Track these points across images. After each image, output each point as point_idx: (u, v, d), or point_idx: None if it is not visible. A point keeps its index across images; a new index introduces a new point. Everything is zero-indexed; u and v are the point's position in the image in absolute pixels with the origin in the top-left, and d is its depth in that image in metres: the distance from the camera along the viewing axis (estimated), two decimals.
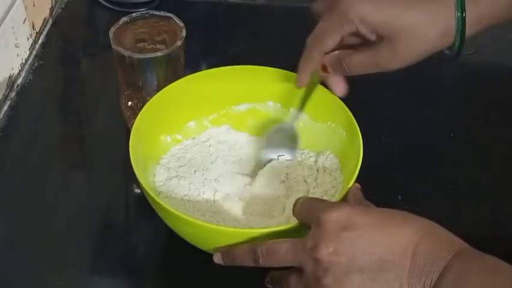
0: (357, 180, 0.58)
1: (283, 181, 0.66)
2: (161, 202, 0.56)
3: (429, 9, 0.56)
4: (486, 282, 0.45)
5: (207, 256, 0.56)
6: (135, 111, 0.69)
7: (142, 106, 0.65)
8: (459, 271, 0.45)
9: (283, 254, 0.50)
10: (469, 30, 0.58)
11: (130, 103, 0.72)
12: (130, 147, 0.60)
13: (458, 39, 0.58)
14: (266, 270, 0.53)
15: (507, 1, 0.58)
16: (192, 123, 0.71)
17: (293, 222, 0.54)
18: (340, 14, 0.58)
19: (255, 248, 0.51)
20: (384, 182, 0.69)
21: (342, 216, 0.48)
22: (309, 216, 0.51)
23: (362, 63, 0.59)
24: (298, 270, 0.50)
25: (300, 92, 0.66)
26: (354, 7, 0.57)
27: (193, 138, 0.70)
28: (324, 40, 0.59)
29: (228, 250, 0.54)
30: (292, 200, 0.64)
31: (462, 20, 0.57)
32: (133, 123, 0.63)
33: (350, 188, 0.56)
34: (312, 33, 0.61)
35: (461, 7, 0.56)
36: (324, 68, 0.62)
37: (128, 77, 0.70)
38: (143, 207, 0.60)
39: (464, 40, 0.58)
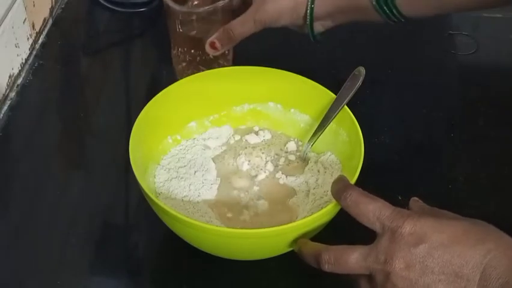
0: (357, 181, 0.58)
1: (284, 181, 0.66)
2: (160, 203, 0.56)
3: None
4: None
5: (206, 256, 0.56)
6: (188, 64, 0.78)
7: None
8: None
9: (353, 263, 0.50)
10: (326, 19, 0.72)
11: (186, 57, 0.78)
12: (129, 148, 0.60)
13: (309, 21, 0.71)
14: (266, 271, 0.53)
15: None
16: (192, 124, 0.71)
17: (295, 221, 0.54)
18: None
19: (320, 253, 0.51)
20: (384, 182, 0.69)
21: (416, 230, 0.48)
22: (369, 219, 0.50)
23: (241, 22, 0.71)
24: (368, 276, 0.50)
25: (302, 96, 0.66)
26: None
27: (194, 138, 0.70)
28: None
29: (300, 245, 0.54)
30: (295, 200, 0.64)
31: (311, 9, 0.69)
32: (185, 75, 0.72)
33: (411, 198, 0.56)
34: None
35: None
36: (212, 45, 0.72)
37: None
38: (143, 207, 0.60)
39: (312, 26, 0.71)
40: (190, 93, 0.69)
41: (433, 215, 0.50)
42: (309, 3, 0.69)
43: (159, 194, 0.64)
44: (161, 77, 0.85)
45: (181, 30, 0.75)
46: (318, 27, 0.72)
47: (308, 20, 0.70)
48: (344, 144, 0.65)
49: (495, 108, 0.81)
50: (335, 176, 0.64)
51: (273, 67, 0.69)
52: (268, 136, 0.71)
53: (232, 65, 0.79)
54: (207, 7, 0.74)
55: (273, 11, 0.70)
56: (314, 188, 0.65)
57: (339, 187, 0.53)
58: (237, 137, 0.71)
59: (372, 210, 0.50)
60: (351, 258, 0.49)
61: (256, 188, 0.66)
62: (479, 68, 0.87)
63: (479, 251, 0.46)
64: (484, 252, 0.46)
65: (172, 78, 0.80)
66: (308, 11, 0.70)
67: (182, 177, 0.66)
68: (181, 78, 0.77)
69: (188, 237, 0.58)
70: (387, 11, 0.68)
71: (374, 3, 0.68)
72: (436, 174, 0.73)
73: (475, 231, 0.48)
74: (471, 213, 0.68)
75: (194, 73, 0.75)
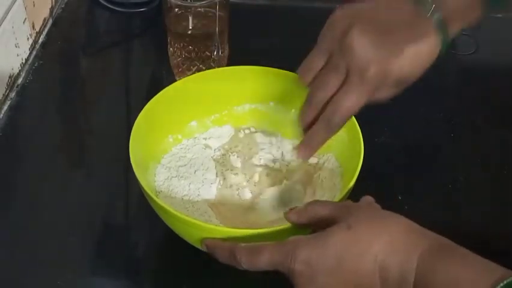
0: (357, 181, 0.58)
1: (284, 182, 0.66)
2: (159, 202, 0.56)
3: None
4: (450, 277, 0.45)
5: (206, 256, 0.56)
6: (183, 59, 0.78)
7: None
8: (424, 276, 0.45)
9: (265, 264, 0.50)
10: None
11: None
12: (130, 146, 0.60)
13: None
14: (268, 272, 0.53)
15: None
16: (193, 123, 0.71)
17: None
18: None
19: (233, 253, 0.51)
20: (384, 182, 0.69)
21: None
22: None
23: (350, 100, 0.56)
24: None
25: (303, 96, 0.66)
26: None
27: (195, 138, 0.70)
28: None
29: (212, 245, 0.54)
30: (295, 202, 0.64)
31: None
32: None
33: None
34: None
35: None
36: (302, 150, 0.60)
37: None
38: (143, 207, 0.60)
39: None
40: (191, 92, 0.69)
41: (316, 238, 0.49)
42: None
43: (159, 192, 0.64)
44: (161, 77, 0.85)
45: (177, 25, 0.76)
46: None
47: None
48: (344, 144, 0.64)
49: (495, 108, 0.81)
50: (334, 176, 0.64)
51: (274, 67, 0.69)
52: (268, 136, 0.71)
53: (229, 63, 0.79)
54: (204, 1, 0.74)
55: (396, 66, 0.55)
56: (314, 189, 0.65)
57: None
58: (237, 137, 0.71)
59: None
60: (263, 258, 0.50)
61: (256, 188, 0.66)
62: (479, 68, 0.87)
63: (368, 259, 0.46)
64: (372, 258, 0.46)
65: (172, 78, 0.80)
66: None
67: (182, 176, 0.66)
68: (176, 73, 0.78)
69: (188, 236, 0.58)
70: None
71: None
72: (436, 174, 0.73)
73: (359, 246, 0.47)
74: (471, 213, 0.69)
75: (189, 68, 0.76)
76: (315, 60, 0.57)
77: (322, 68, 0.57)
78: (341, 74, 0.55)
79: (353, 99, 0.55)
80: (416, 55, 0.55)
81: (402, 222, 0.48)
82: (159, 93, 0.66)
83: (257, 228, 0.57)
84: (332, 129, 0.57)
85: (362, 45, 0.53)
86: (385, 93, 0.57)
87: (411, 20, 0.55)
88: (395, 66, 0.54)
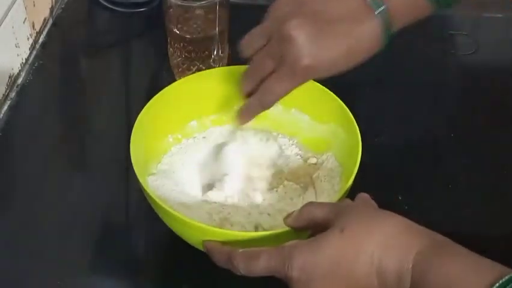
0: (357, 181, 0.58)
1: (284, 182, 0.66)
2: (160, 202, 0.56)
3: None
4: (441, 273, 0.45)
5: (207, 256, 0.56)
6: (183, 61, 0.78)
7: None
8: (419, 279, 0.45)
9: (262, 270, 0.50)
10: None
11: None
12: (131, 146, 0.60)
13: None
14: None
15: None
16: (193, 123, 0.71)
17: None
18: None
19: (230, 259, 0.51)
20: (384, 182, 0.69)
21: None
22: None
23: (275, 78, 0.58)
24: None
25: (302, 96, 0.66)
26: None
27: (194, 137, 0.70)
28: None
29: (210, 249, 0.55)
30: (296, 201, 0.64)
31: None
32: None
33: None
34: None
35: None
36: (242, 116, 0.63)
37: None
38: (143, 207, 0.60)
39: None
40: (191, 92, 0.69)
41: (310, 244, 0.49)
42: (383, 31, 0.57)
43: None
44: (161, 77, 0.85)
45: (177, 26, 0.76)
46: None
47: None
48: (342, 143, 0.65)
49: (495, 108, 0.81)
50: (333, 175, 0.64)
51: None
52: (268, 135, 0.71)
53: (229, 63, 0.79)
54: (204, 2, 0.74)
55: (328, 61, 0.56)
56: (313, 187, 0.65)
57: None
58: (237, 136, 0.71)
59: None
60: (260, 264, 0.50)
61: (256, 188, 0.66)
62: (479, 68, 0.87)
63: (363, 261, 0.46)
64: (367, 260, 0.46)
65: (172, 78, 0.80)
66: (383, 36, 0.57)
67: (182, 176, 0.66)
68: (176, 73, 0.78)
69: (187, 237, 0.58)
70: None
71: None
72: (436, 174, 0.73)
73: (352, 249, 0.47)
74: (471, 213, 0.69)
75: (189, 68, 0.76)
76: (256, 39, 0.59)
77: (262, 47, 0.58)
78: (276, 60, 0.56)
79: (282, 86, 0.58)
80: (353, 49, 0.56)
81: (397, 222, 0.48)
82: (159, 93, 0.66)
83: (256, 232, 0.57)
84: (264, 107, 0.61)
85: (297, 38, 0.54)
86: (317, 78, 0.59)
87: (355, 11, 0.56)
88: (328, 60, 0.56)
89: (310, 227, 0.52)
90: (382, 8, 0.55)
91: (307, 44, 0.55)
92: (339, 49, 0.56)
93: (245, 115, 0.62)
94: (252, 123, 0.71)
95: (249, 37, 0.60)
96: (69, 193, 0.71)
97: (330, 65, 0.56)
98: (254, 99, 0.60)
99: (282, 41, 0.55)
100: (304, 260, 0.48)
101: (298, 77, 0.57)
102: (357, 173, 0.58)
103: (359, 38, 0.56)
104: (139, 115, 0.64)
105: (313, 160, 0.67)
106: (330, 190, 0.63)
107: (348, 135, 0.64)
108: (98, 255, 0.65)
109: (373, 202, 0.53)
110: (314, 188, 0.65)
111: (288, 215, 0.54)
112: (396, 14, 0.56)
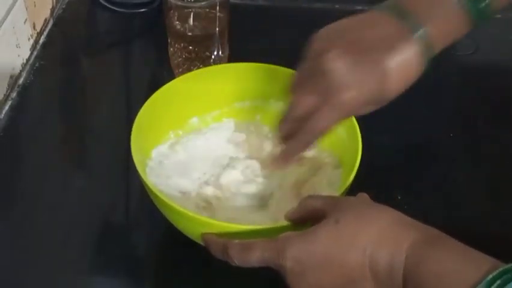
0: (357, 180, 0.58)
1: (283, 179, 0.66)
2: (162, 197, 0.56)
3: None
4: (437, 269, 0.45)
5: (207, 255, 0.56)
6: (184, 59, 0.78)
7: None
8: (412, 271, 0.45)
9: (256, 261, 0.51)
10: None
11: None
12: (131, 141, 0.60)
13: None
14: (268, 269, 0.53)
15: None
16: (194, 119, 0.71)
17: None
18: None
19: (226, 250, 0.52)
20: (384, 182, 0.69)
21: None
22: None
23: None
24: None
25: None
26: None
27: (195, 133, 0.71)
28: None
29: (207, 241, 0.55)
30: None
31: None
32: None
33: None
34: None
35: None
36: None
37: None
38: (144, 206, 0.60)
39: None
40: (192, 89, 0.69)
41: (304, 234, 0.49)
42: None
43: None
44: (161, 76, 0.85)
45: (177, 26, 0.76)
46: None
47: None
48: (342, 142, 0.65)
49: (495, 108, 0.81)
50: (333, 173, 0.65)
51: (274, 65, 0.69)
52: (269, 133, 0.71)
53: (231, 63, 0.79)
54: (204, 2, 0.74)
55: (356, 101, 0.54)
56: (312, 186, 0.65)
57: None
58: (238, 133, 0.71)
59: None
60: (254, 255, 0.50)
61: (254, 184, 0.66)
62: (479, 68, 0.87)
63: (356, 253, 0.47)
64: (360, 251, 0.47)
65: (172, 78, 0.80)
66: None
67: (183, 172, 0.66)
68: (177, 73, 0.78)
69: (189, 232, 0.58)
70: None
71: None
72: (436, 174, 0.73)
73: (346, 239, 0.47)
74: (471, 213, 0.69)
75: (189, 68, 0.76)
76: (299, 81, 0.57)
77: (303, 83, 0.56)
78: (318, 95, 0.54)
79: (326, 122, 0.55)
80: (397, 75, 0.53)
81: (391, 215, 0.49)
82: (160, 89, 0.67)
83: (256, 225, 0.57)
84: (306, 145, 0.58)
85: (336, 70, 0.52)
86: (364, 111, 0.56)
87: (394, 37, 0.53)
88: (373, 89, 0.53)
89: (308, 219, 0.52)
90: (421, 30, 0.53)
91: (348, 74, 0.52)
92: (385, 77, 0.53)
93: (285, 158, 0.59)
94: (253, 120, 0.72)
95: (292, 80, 0.57)
96: (69, 193, 0.71)
97: (376, 93, 0.53)
98: (295, 140, 0.57)
99: (323, 76, 0.53)
100: (298, 250, 0.48)
101: (343, 110, 0.54)
102: (357, 173, 0.58)
103: (400, 63, 0.53)
104: (140, 110, 0.64)
105: (313, 160, 0.67)
106: (330, 189, 0.64)
107: (348, 135, 0.64)
108: (98, 255, 0.65)
109: (371, 201, 0.53)
110: (314, 186, 0.65)
111: (288, 211, 0.54)
112: (436, 34, 0.54)
